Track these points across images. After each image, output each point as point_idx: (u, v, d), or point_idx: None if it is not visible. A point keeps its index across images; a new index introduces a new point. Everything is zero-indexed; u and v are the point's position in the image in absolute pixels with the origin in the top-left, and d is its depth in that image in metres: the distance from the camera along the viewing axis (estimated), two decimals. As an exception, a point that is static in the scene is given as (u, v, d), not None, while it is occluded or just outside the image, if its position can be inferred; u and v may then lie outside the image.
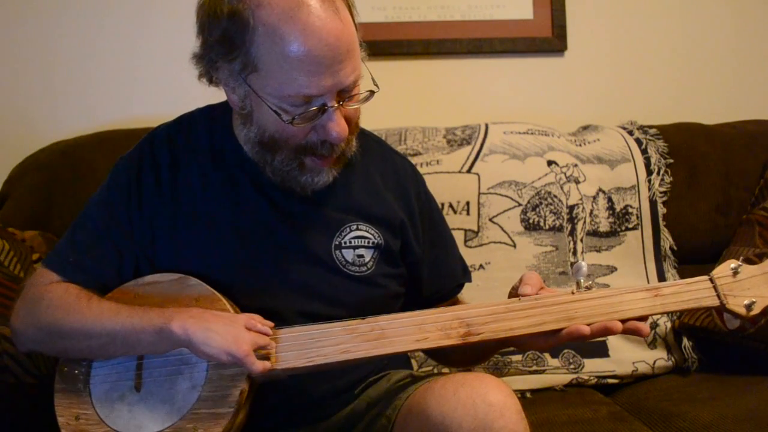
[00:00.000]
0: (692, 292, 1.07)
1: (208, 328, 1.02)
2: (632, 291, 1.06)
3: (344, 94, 1.07)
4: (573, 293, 1.06)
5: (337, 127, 1.06)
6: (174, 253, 1.15)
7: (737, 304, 1.06)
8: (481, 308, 1.06)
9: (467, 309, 1.07)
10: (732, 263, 1.08)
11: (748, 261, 1.08)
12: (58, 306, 1.10)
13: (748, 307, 1.06)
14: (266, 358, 1.04)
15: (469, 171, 1.73)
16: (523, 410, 0.99)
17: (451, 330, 1.05)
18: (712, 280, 1.08)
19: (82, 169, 1.65)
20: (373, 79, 1.11)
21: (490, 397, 0.96)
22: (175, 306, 1.10)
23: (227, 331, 1.02)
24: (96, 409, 1.09)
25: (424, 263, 1.27)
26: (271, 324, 1.07)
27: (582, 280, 1.07)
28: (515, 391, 1.61)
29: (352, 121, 1.11)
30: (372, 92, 1.10)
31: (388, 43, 1.96)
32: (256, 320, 1.06)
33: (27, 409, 1.30)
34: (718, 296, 1.07)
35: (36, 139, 1.76)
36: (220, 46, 1.06)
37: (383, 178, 1.26)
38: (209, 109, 1.25)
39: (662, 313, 1.06)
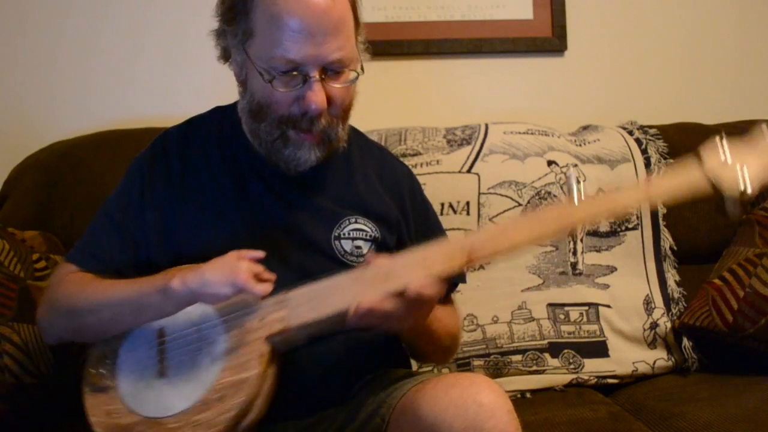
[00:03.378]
0: (682, 177, 1.05)
1: (203, 272, 1.05)
2: (624, 189, 1.07)
3: (329, 72, 1.12)
4: (567, 201, 1.08)
5: (316, 97, 1.10)
6: (181, 241, 1.19)
7: (729, 182, 1.02)
8: (480, 233, 1.10)
9: (465, 237, 1.09)
10: (717, 139, 1.04)
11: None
12: (73, 288, 1.15)
13: (742, 181, 1.01)
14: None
15: (469, 171, 1.72)
16: (515, 411, 0.99)
17: (454, 254, 1.05)
18: (699, 157, 1.05)
19: (81, 169, 1.65)
20: (361, 66, 1.16)
21: (481, 398, 0.97)
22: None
23: (221, 267, 1.05)
24: (125, 402, 1.10)
25: None
26: (261, 253, 1.09)
27: (575, 188, 1.07)
28: (515, 391, 1.62)
29: (336, 102, 1.14)
30: (357, 75, 1.15)
31: (388, 43, 1.95)
32: (240, 252, 1.09)
33: (27, 409, 1.30)
34: (710, 178, 1.03)
35: (36, 139, 1.75)
36: (228, 14, 1.15)
37: (380, 177, 1.30)
38: (219, 108, 1.31)
39: (657, 202, 1.06)
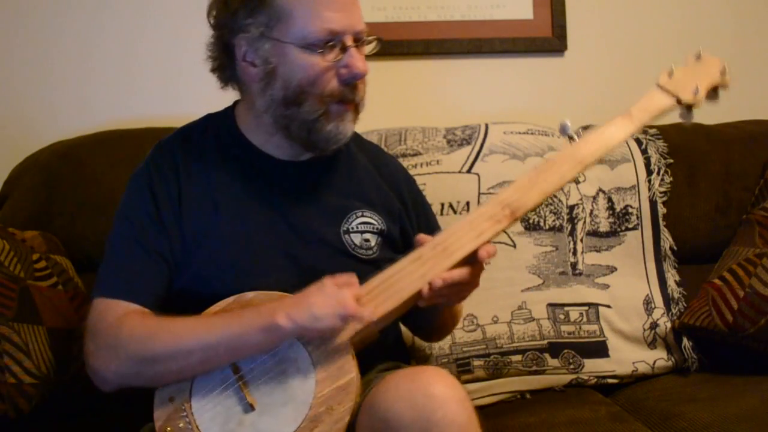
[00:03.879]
0: (654, 102, 1.28)
1: (310, 306, 1.04)
2: (611, 123, 1.23)
3: (356, 41, 1.18)
4: (571, 145, 1.19)
5: (359, 61, 1.17)
6: (197, 249, 1.18)
7: (687, 95, 1.27)
8: (510, 189, 1.16)
9: (500, 195, 1.15)
10: (666, 71, 1.29)
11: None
12: (143, 334, 1.09)
13: (695, 92, 1.26)
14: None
15: (469, 171, 1.72)
16: (467, 400, 1.00)
17: (498, 215, 1.13)
18: (660, 87, 1.27)
19: (81, 169, 1.65)
20: (377, 38, 1.22)
21: (431, 389, 0.97)
22: None
23: (327, 298, 1.04)
24: None
25: None
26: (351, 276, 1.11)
27: (572, 134, 1.19)
28: (515, 391, 1.62)
29: None
30: (379, 40, 1.21)
31: (388, 43, 1.94)
32: (336, 279, 1.09)
33: (27, 409, 1.30)
34: (673, 96, 1.27)
35: (36, 139, 1.75)
36: (244, 8, 1.16)
37: (379, 171, 1.34)
38: (210, 116, 1.31)
39: (641, 129, 1.24)
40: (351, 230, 1.24)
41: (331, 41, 1.15)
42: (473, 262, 1.11)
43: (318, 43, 1.14)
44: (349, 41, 1.16)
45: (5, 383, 1.28)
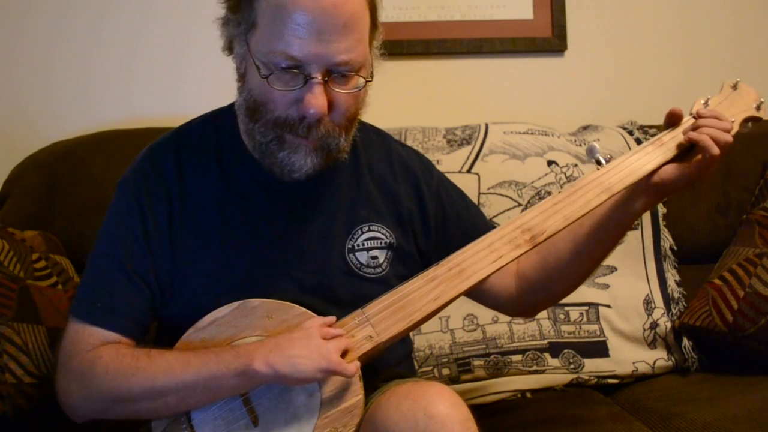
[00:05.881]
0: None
1: (292, 355, 0.99)
2: (641, 150, 1.15)
3: (334, 74, 1.03)
4: (598, 169, 1.14)
5: (315, 101, 1.01)
6: (189, 272, 1.12)
7: None
8: (532, 212, 1.12)
9: (520, 218, 1.11)
10: (701, 99, 1.21)
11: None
12: (117, 370, 1.03)
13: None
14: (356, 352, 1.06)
15: (469, 171, 1.72)
16: (470, 420, 0.97)
17: (518, 239, 1.10)
18: (695, 116, 1.17)
19: (82, 169, 1.65)
20: (371, 73, 1.09)
21: (432, 410, 0.95)
22: (250, 333, 1.07)
23: (310, 349, 1.00)
24: None
25: (452, 239, 1.25)
26: (333, 319, 1.07)
27: (600, 158, 1.14)
28: (515, 390, 1.62)
29: (339, 108, 1.06)
30: (366, 82, 1.07)
31: (388, 43, 1.93)
32: (325, 325, 1.05)
33: (27, 409, 1.30)
34: None
35: (36, 139, 1.75)
36: (232, 4, 1.08)
37: (390, 168, 1.24)
38: (212, 115, 1.22)
39: (673, 158, 1.16)
40: (357, 248, 1.16)
41: (294, 68, 1.01)
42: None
43: (270, 66, 1.02)
44: (315, 73, 1.00)
45: (5, 383, 1.28)
